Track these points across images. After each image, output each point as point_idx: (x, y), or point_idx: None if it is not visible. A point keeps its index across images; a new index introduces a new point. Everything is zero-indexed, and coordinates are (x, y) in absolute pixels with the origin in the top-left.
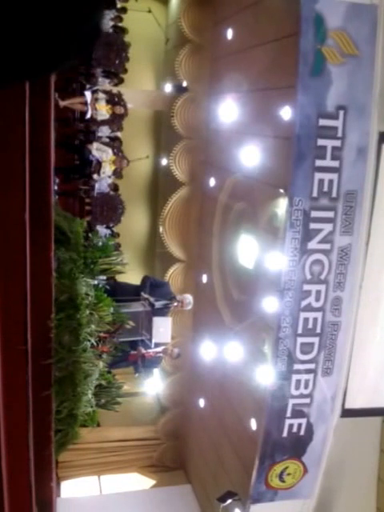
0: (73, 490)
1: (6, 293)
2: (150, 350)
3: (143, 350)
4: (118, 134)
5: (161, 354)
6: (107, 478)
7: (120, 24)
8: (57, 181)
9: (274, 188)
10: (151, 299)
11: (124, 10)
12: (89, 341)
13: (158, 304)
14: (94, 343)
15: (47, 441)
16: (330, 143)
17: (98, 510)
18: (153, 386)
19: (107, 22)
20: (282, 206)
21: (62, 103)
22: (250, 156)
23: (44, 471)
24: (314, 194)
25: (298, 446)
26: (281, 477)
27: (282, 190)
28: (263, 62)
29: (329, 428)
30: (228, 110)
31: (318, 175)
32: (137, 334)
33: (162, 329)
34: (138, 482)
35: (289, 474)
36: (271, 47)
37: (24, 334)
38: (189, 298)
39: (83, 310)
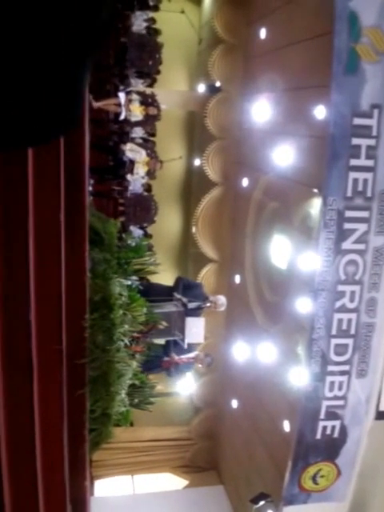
0: (106, 488)
1: (42, 293)
2: (182, 356)
3: (176, 357)
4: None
5: (193, 361)
6: (140, 478)
7: (153, 25)
8: (91, 182)
9: (307, 188)
10: (184, 300)
11: (156, 7)
12: (122, 341)
13: (191, 305)
14: (128, 343)
15: (81, 440)
16: (364, 142)
17: (131, 509)
18: (186, 387)
19: (141, 24)
20: (315, 205)
21: (96, 104)
22: (284, 156)
23: (78, 470)
24: (349, 194)
25: (331, 448)
26: (314, 479)
27: (315, 190)
28: (297, 61)
29: (363, 430)
30: (261, 110)
31: (352, 174)
32: (170, 334)
33: (195, 329)
34: (170, 482)
35: (322, 477)
36: (305, 46)
37: (59, 333)
38: (222, 299)
39: (117, 310)
